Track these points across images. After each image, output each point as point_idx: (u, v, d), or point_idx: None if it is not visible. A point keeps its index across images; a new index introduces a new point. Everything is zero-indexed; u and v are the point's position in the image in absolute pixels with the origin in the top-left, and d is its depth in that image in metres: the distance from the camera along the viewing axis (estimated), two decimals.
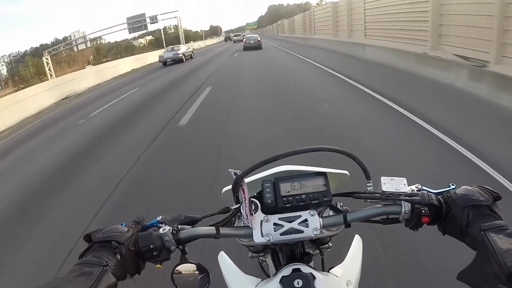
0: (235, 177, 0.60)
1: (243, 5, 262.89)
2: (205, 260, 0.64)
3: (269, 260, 0.83)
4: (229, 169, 0.60)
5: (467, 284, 0.49)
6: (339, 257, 0.76)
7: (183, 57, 18.07)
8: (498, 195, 0.56)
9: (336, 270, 0.71)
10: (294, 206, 0.63)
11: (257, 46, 20.45)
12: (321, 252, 0.79)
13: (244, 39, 22.80)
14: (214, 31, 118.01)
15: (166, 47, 23.15)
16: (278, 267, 0.72)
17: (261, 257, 0.87)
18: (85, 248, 0.54)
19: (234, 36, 49.30)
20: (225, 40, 56.92)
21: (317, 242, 0.78)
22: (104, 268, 0.49)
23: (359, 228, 0.71)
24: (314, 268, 0.64)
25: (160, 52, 20.46)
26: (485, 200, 0.54)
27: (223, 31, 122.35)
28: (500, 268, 0.44)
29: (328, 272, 0.70)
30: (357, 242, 0.82)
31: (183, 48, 19.46)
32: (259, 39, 21.43)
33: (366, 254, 0.79)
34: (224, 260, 0.79)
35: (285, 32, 31.11)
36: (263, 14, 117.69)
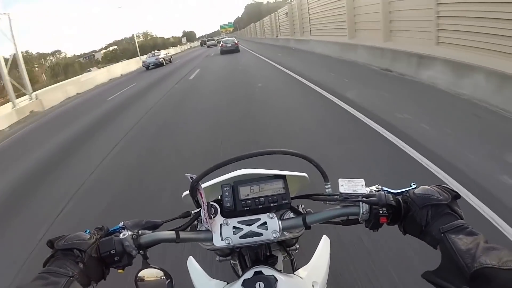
0: (191, 180, 0.62)
1: (218, 7, 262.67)
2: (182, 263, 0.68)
3: (237, 262, 0.85)
4: (186, 174, 0.63)
5: (431, 283, 0.51)
6: (309, 258, 0.79)
7: (163, 61, 21.69)
8: (458, 193, 0.58)
9: (301, 271, 0.73)
10: (253, 209, 0.65)
11: (234, 49, 20.79)
12: (288, 254, 0.82)
13: (221, 43, 22.96)
14: (187, 37, 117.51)
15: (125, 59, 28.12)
16: (244, 270, 0.73)
17: (232, 261, 0.91)
18: (49, 256, 0.57)
19: (208, 40, 50.09)
20: (201, 45, 59.26)
21: (283, 244, 0.81)
22: (71, 278, 0.52)
23: (330, 228, 0.73)
24: (278, 270, 0.67)
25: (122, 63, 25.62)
26: (444, 199, 0.57)
27: (197, 36, 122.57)
28: (462, 269, 0.45)
29: (294, 274, 0.72)
30: (324, 243, 0.85)
31: (162, 54, 23.54)
32: (236, 41, 21.83)
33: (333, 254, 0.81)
34: (193, 265, 0.83)
35: (264, 34, 30.70)
36: (240, 16, 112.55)
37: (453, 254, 0.48)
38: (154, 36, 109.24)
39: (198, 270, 0.83)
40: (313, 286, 0.71)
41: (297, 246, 0.87)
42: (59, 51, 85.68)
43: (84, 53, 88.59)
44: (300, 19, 16.90)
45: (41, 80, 51.87)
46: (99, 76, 19.16)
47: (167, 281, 0.62)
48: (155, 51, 25.63)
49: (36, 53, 76.06)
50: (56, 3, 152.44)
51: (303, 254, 0.92)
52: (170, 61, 23.44)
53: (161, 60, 21.68)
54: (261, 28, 30.37)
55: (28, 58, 67.66)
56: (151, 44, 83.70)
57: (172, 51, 27.38)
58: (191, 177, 0.63)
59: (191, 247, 0.76)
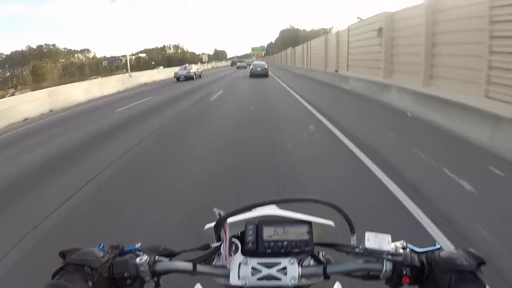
0: (218, 217, 0.64)
1: (253, 29, 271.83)
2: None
3: None
4: (214, 209, 0.64)
5: None
6: None
7: (194, 75, 23.74)
8: (483, 260, 0.58)
9: None
10: (274, 252, 0.65)
11: (263, 74, 21.23)
12: None
13: (251, 66, 23.67)
14: (218, 56, 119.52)
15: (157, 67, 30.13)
16: None
17: None
18: (59, 268, 0.58)
19: (238, 61, 52.37)
20: (231, 65, 62.48)
21: None
22: None
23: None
24: None
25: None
26: (469, 265, 0.56)
27: (228, 56, 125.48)
28: None
29: None
30: None
31: (194, 68, 26.03)
32: (266, 67, 22.34)
33: None
34: None
35: (294, 62, 29.75)
36: (273, 41, 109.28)
37: None
38: (185, 50, 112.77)
39: None
40: None
41: None
42: (87, 50, 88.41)
43: (113, 56, 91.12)
44: (337, 51, 16.65)
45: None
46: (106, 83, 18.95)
47: None
48: (187, 64, 29.49)
49: (64, 48, 77.49)
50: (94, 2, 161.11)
51: None
52: (200, 76, 25.54)
53: (191, 74, 23.67)
54: (292, 57, 30.86)
55: (54, 52, 69.52)
56: (179, 57, 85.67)
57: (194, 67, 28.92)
58: (219, 213, 0.64)
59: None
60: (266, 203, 0.64)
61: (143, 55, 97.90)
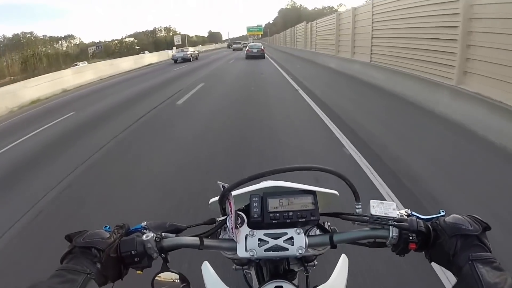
0: (222, 189, 0.66)
1: (250, 9, 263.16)
2: (188, 269, 0.66)
3: (253, 273, 0.89)
4: (218, 182, 0.66)
5: None
6: (325, 276, 0.81)
7: (191, 57, 24.46)
8: (488, 225, 0.60)
9: None
10: (280, 222, 0.67)
11: (259, 56, 21.69)
12: (306, 269, 0.84)
13: (248, 47, 24.16)
14: (213, 38, 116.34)
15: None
16: (261, 282, 0.76)
17: (245, 270, 0.93)
18: (66, 252, 0.60)
19: (234, 44, 52.03)
20: (228, 47, 63.02)
21: (302, 260, 0.83)
22: (88, 276, 0.54)
23: (347, 246, 0.74)
24: (297, 286, 0.70)
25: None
26: (474, 230, 0.58)
27: (224, 38, 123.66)
28: None
29: None
30: (343, 262, 0.88)
31: (190, 50, 26.64)
32: (262, 48, 22.80)
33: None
34: (208, 271, 0.85)
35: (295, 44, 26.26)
36: (271, 21, 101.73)
37: (479, 285, 0.49)
38: (178, 32, 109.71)
39: (214, 277, 0.84)
40: None
41: (316, 262, 0.87)
42: (72, 36, 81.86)
43: (99, 42, 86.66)
44: (353, 34, 11.54)
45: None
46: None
47: (182, 285, 0.64)
48: (184, 47, 29.28)
49: (45, 35, 71.37)
50: None
51: (318, 270, 0.90)
52: (197, 58, 26.11)
53: (188, 56, 24.32)
54: (293, 38, 27.87)
55: (32, 40, 63.14)
56: (168, 41, 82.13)
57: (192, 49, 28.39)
58: (223, 186, 0.66)
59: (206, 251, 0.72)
60: (269, 173, 0.65)
61: (131, 39, 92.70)
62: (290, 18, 65.81)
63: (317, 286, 0.76)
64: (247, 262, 0.87)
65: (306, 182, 0.78)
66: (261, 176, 0.65)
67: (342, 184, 0.69)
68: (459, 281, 0.54)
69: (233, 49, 43.94)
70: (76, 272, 0.54)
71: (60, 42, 77.68)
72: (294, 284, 0.71)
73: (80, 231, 0.62)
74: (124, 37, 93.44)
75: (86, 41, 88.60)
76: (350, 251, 0.86)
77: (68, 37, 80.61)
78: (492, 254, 0.55)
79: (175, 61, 23.66)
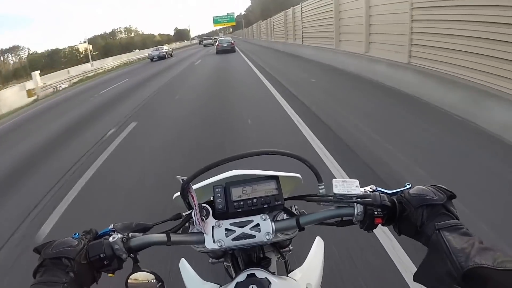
0: (182, 183, 0.69)
1: (218, 2, 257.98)
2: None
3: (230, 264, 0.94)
4: (177, 176, 0.69)
5: (422, 284, 0.56)
6: (303, 260, 0.86)
7: (166, 55, 26.91)
8: (453, 193, 0.64)
9: (295, 273, 0.81)
10: (245, 211, 0.72)
11: (230, 49, 22.66)
12: (282, 255, 0.89)
13: (217, 42, 25.12)
14: (180, 36, 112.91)
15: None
16: (237, 272, 0.81)
17: (225, 263, 0.98)
18: (37, 265, 0.61)
19: (204, 39, 53.06)
20: (199, 43, 64.91)
21: (276, 246, 0.88)
22: (65, 285, 0.57)
23: (323, 229, 0.79)
24: (272, 273, 0.74)
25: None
26: (439, 199, 0.62)
27: (192, 35, 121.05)
28: (455, 267, 0.49)
29: (287, 276, 0.79)
30: (318, 244, 0.93)
31: (165, 48, 29.31)
32: (232, 42, 23.91)
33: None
34: (185, 267, 0.90)
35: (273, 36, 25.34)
36: (243, 12, 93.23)
37: (447, 252, 0.52)
38: (141, 32, 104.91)
39: (191, 273, 0.88)
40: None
41: (291, 247, 0.92)
42: (17, 47, 73.22)
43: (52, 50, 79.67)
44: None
45: None
46: None
47: (158, 284, 0.67)
48: (159, 46, 32.75)
49: None
50: None
51: (296, 255, 0.97)
52: (171, 55, 28.37)
53: (164, 53, 26.75)
54: (270, 29, 26.69)
55: None
56: (123, 43, 77.73)
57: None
58: (182, 179, 0.69)
59: (183, 249, 0.78)
60: (224, 161, 0.69)
61: (84, 45, 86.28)
62: (269, 5, 53.64)
63: (292, 270, 0.82)
64: (223, 254, 0.92)
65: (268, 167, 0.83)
66: (218, 164, 0.68)
67: (303, 167, 0.73)
68: (429, 251, 0.56)
69: (204, 45, 44.43)
70: (52, 284, 0.56)
71: (5, 55, 69.52)
72: (268, 271, 0.74)
73: (47, 242, 0.64)
74: (82, 41, 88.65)
75: (40, 50, 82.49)
76: (325, 233, 0.91)
77: (15, 49, 72.24)
78: (459, 221, 0.58)
79: (151, 59, 25.78)
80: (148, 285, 0.65)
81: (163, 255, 1.91)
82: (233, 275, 0.86)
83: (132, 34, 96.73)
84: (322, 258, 0.87)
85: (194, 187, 0.70)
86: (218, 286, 0.79)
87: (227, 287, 0.71)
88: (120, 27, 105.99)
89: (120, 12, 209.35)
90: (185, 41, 76.58)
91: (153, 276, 0.65)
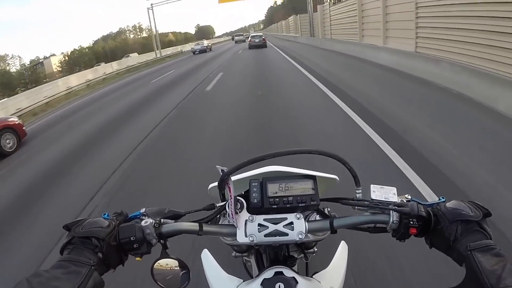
0: (221, 173, 0.69)
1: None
2: (187, 256, 0.74)
3: (253, 260, 0.93)
4: (217, 166, 0.70)
5: None
6: (324, 263, 0.87)
7: (207, 48, 32.24)
8: (488, 211, 0.64)
9: (320, 275, 0.80)
10: (280, 208, 0.72)
11: (261, 45, 25.65)
12: (305, 256, 0.89)
13: (250, 38, 27.85)
14: (201, 33, 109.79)
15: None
16: (261, 268, 0.81)
17: (245, 257, 0.98)
18: (66, 242, 0.63)
19: (236, 36, 56.01)
20: (232, 39, 68.22)
21: (302, 246, 0.88)
22: (92, 268, 0.58)
23: (345, 233, 0.79)
24: (297, 273, 0.74)
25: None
26: (475, 216, 0.62)
27: (217, 34, 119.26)
28: None
29: (312, 277, 0.79)
30: (342, 249, 0.93)
31: (206, 43, 35.40)
32: (264, 37, 26.48)
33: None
34: (207, 258, 0.90)
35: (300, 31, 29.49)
36: (273, 5, 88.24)
37: (479, 273, 0.53)
38: (152, 31, 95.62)
39: (213, 264, 0.89)
40: None
41: (315, 249, 0.93)
42: (3, 56, 64.10)
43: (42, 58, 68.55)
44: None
45: None
46: None
47: (182, 272, 0.68)
48: (199, 41, 38.24)
49: None
50: None
51: (317, 257, 0.99)
52: (211, 49, 33.71)
53: (205, 47, 32.17)
54: (297, 24, 30.82)
55: None
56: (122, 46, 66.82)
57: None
58: (222, 170, 0.70)
59: (205, 239, 0.85)
60: (269, 156, 0.69)
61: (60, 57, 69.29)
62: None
63: (317, 272, 0.81)
64: (247, 249, 0.92)
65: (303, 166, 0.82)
66: (261, 159, 0.69)
67: (341, 167, 0.73)
68: (466, 274, 0.56)
69: (236, 42, 46.29)
70: (79, 264, 0.57)
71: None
72: (294, 270, 0.74)
73: (78, 220, 0.65)
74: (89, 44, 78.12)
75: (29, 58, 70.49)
76: (351, 237, 0.92)
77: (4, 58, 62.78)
78: (492, 241, 0.59)
79: (194, 52, 30.94)
80: (172, 272, 0.67)
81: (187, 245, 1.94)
82: (255, 272, 0.90)
83: (143, 34, 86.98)
84: (345, 263, 0.89)
85: (231, 178, 0.70)
86: (242, 280, 0.79)
87: (253, 283, 0.71)
88: (127, 26, 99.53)
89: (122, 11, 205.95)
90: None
91: (177, 264, 0.67)
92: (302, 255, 0.91)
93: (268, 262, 0.84)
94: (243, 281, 0.79)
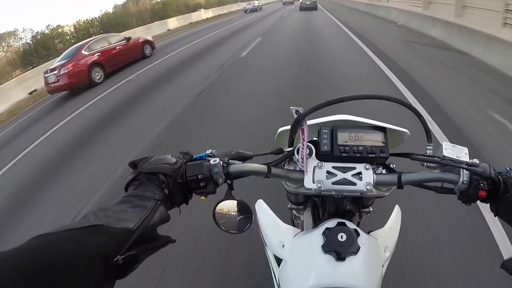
0: (296, 115, 0.67)
1: None
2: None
3: (306, 215, 0.93)
4: (291, 107, 0.67)
5: (509, 273, 0.55)
6: (375, 226, 0.86)
7: (257, 8, 33.18)
8: None
9: (376, 233, 0.80)
10: (349, 156, 0.70)
11: (312, 7, 24.29)
12: (360, 215, 0.89)
13: (300, 0, 26.96)
14: None
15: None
16: (316, 222, 0.80)
17: (295, 213, 0.99)
18: (131, 178, 0.63)
19: None
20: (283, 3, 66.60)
21: (359, 204, 0.88)
22: (158, 202, 0.58)
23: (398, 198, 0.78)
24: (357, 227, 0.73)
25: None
26: None
27: None
28: None
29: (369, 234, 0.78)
30: (397, 212, 0.92)
31: (256, 2, 35.31)
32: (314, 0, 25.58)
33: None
34: (263, 208, 0.90)
35: None
36: None
37: None
38: None
39: (270, 214, 0.88)
40: (384, 250, 0.76)
41: (371, 209, 0.92)
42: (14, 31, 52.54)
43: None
44: None
45: None
46: None
47: (243, 217, 0.69)
48: (251, 1, 37.65)
49: None
50: None
51: (368, 221, 0.99)
52: (261, 9, 34.43)
53: (256, 6, 33.31)
54: None
55: None
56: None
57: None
58: (296, 111, 0.67)
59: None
60: (350, 98, 0.67)
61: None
62: None
63: (372, 231, 0.80)
64: (303, 201, 0.93)
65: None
66: (340, 101, 0.67)
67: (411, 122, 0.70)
68: None
69: (283, 3, 43.19)
70: (145, 198, 0.57)
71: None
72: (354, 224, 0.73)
73: (145, 157, 0.65)
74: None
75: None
76: (410, 200, 0.91)
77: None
78: None
79: (245, 11, 32.11)
80: (234, 215, 0.68)
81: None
82: (306, 226, 0.91)
83: None
84: (399, 226, 0.88)
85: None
86: (299, 230, 0.79)
87: (315, 230, 0.71)
88: None
89: None
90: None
91: (239, 207, 0.68)
92: (357, 214, 0.91)
93: (327, 214, 0.84)
94: (300, 230, 0.79)
